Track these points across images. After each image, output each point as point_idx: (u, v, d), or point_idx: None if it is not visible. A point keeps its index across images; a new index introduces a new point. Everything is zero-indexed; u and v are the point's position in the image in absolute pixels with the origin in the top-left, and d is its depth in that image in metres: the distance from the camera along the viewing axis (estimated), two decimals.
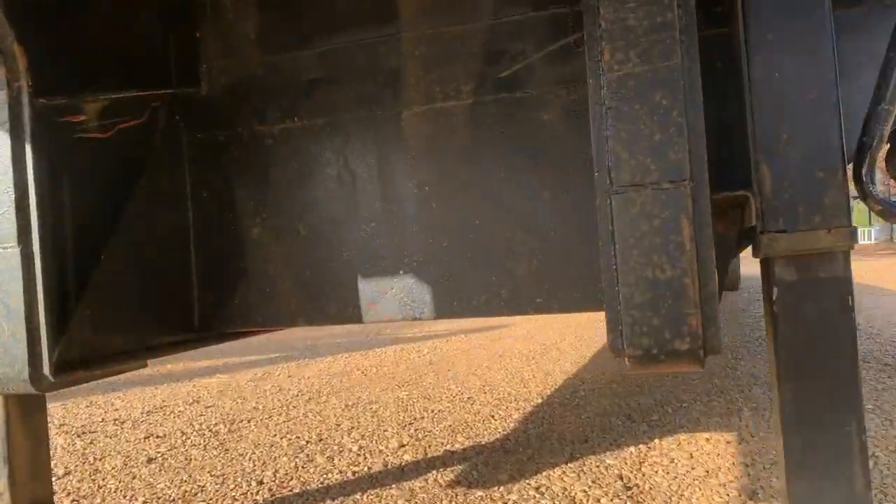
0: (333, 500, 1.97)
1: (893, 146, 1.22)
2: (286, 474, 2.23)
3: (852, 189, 1.09)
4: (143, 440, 2.78)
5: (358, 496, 1.99)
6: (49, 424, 1.78)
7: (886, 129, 1.11)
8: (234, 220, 1.78)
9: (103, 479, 2.28)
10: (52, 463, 2.09)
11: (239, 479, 2.20)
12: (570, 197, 1.56)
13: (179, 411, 3.32)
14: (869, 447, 1.16)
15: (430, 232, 1.65)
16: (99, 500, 2.10)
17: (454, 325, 6.59)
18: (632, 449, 2.26)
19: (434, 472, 2.16)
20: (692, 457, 2.14)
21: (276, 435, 2.74)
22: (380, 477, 2.15)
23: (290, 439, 2.66)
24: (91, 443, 2.78)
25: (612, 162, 1.04)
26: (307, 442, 2.60)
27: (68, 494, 2.16)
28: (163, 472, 2.34)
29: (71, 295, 1.42)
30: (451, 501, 1.90)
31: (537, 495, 1.90)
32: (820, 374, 1.08)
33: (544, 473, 2.07)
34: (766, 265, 1.12)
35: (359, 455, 2.38)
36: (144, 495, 2.11)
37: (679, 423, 2.55)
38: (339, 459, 2.35)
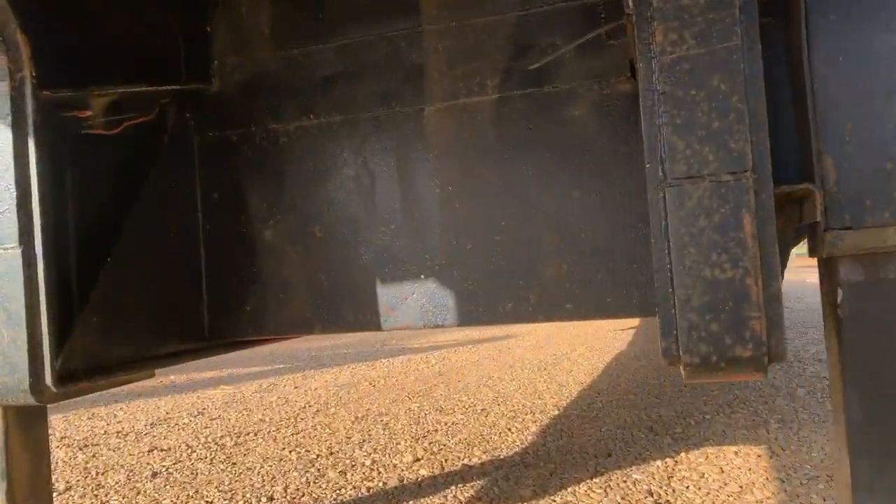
0: None
1: None
2: (297, 489, 2.13)
3: None
4: (147, 453, 2.69)
5: None
6: (50, 437, 1.69)
7: None
8: (245, 222, 1.70)
9: (106, 495, 2.19)
10: (53, 477, 2.00)
11: (248, 495, 2.10)
12: (601, 196, 1.48)
13: (184, 423, 3.22)
14: None
15: (454, 234, 1.57)
16: None
17: (461, 335, 6.50)
18: (658, 463, 2.17)
19: (452, 487, 2.06)
20: (723, 471, 2.05)
21: (284, 448, 2.64)
22: (395, 493, 2.05)
23: (299, 453, 2.56)
24: (93, 456, 2.68)
25: (666, 152, 0.95)
26: (317, 456, 2.50)
27: None
28: (168, 486, 2.24)
29: (75, 300, 1.33)
30: None
31: None
32: (891, 384, 0.99)
33: (569, 489, 1.98)
34: (828, 265, 1.04)
35: (372, 469, 2.29)
36: None
37: (704, 435, 2.45)
38: (352, 474, 2.25)
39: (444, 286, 1.58)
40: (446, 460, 2.34)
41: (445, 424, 2.87)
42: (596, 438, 2.50)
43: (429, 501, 1.95)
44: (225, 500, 2.08)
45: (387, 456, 2.44)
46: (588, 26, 1.47)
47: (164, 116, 1.64)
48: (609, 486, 1.99)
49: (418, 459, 2.37)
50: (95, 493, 2.22)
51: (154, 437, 2.97)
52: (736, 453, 2.22)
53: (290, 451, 2.58)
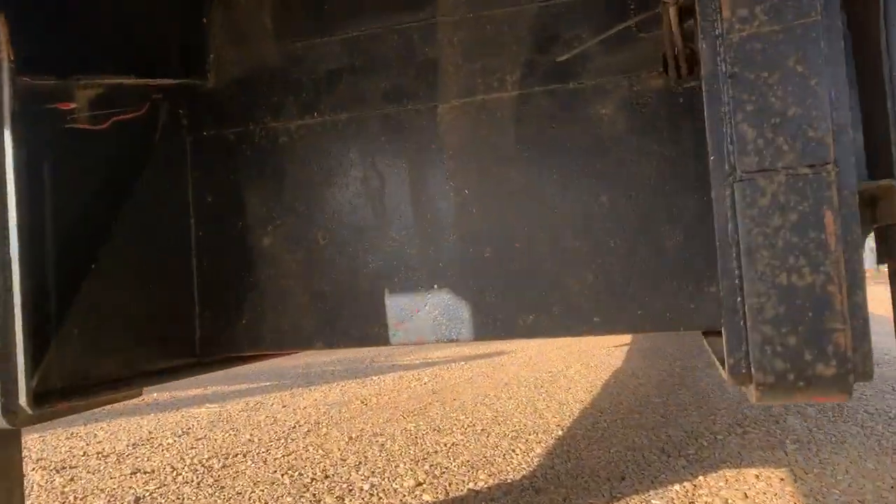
0: None
1: None
2: None
3: None
4: (129, 476, 2.52)
5: None
6: (24, 458, 1.54)
7: None
8: (242, 227, 1.57)
9: None
10: None
11: None
12: (632, 201, 1.37)
13: (168, 444, 3.06)
14: None
15: (470, 241, 1.45)
16: None
17: (451, 352, 6.36)
18: (676, 487, 2.05)
19: None
20: (747, 496, 1.93)
21: (275, 471, 2.49)
22: None
23: (291, 476, 2.41)
24: (72, 479, 2.51)
25: (734, 143, 0.84)
26: (312, 479, 2.36)
27: None
28: None
29: (54, 311, 1.19)
30: None
31: None
32: None
33: None
34: None
35: (372, 495, 2.15)
36: None
37: (719, 457, 2.33)
38: (350, 500, 2.11)
39: (458, 297, 1.46)
40: (450, 484, 2.20)
41: (445, 445, 2.74)
42: (606, 460, 2.37)
43: None
44: None
45: (386, 480, 2.30)
46: (616, 18, 1.37)
47: (155, 113, 1.52)
48: None
49: (420, 484, 2.23)
50: None
51: (136, 458, 2.80)
52: (757, 476, 2.10)
53: (283, 475, 2.43)
